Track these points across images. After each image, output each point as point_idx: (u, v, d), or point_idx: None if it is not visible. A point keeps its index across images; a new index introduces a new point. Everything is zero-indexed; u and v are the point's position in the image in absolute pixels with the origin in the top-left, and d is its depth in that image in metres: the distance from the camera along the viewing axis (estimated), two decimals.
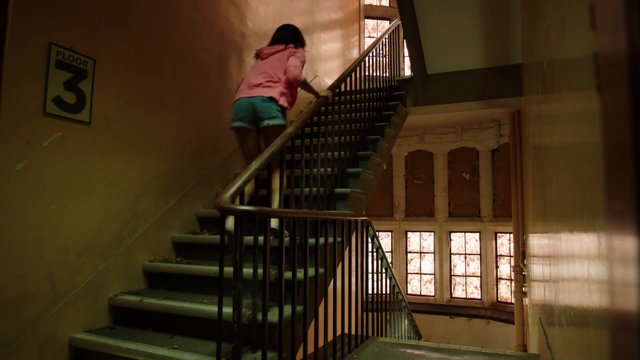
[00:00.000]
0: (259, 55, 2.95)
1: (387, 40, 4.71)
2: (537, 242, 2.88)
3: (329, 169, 3.04)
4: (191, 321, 2.30)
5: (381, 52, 4.49)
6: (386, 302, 3.77)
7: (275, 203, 2.54)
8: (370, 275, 3.21)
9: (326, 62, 6.04)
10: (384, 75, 4.49)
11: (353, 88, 3.60)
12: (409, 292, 8.27)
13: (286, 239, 2.30)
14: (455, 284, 8.01)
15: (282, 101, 2.71)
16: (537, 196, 2.82)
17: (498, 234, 7.68)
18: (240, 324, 1.72)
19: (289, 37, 2.96)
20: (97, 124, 2.50)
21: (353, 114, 3.60)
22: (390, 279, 3.97)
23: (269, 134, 2.65)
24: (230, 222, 2.27)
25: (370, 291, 3.15)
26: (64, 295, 2.28)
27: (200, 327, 2.27)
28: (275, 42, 2.95)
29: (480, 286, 7.74)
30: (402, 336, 4.62)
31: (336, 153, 3.21)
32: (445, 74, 4.73)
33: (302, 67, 2.88)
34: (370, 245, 3.19)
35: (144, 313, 2.45)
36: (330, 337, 2.61)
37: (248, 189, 2.37)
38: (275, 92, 2.69)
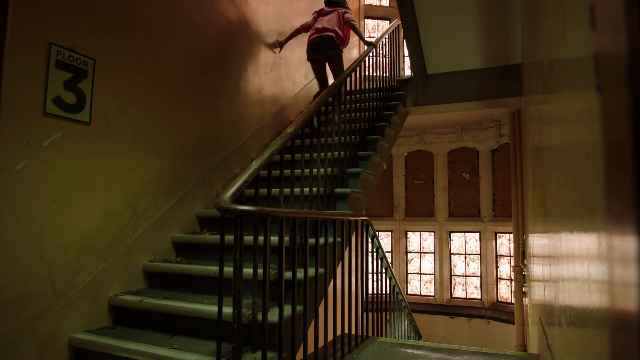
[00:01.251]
0: (320, 13, 4.41)
1: (387, 40, 4.71)
2: (537, 242, 2.88)
3: (329, 169, 3.04)
4: (191, 321, 2.30)
5: (381, 52, 4.49)
6: (386, 302, 3.77)
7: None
8: (370, 275, 3.21)
9: None
10: (384, 75, 4.49)
11: (353, 88, 3.60)
12: (409, 292, 8.27)
13: (286, 239, 2.29)
14: (455, 284, 8.01)
15: (339, 42, 4.21)
16: (537, 196, 2.82)
17: (498, 234, 7.68)
18: (240, 324, 1.72)
19: (341, 2, 4.41)
20: (97, 124, 2.50)
21: (353, 114, 3.60)
22: (390, 279, 3.97)
23: (334, 60, 4.18)
24: None
25: (370, 291, 3.15)
26: (64, 295, 2.28)
27: (200, 327, 2.27)
28: (330, 5, 4.41)
29: (480, 286, 7.74)
30: (402, 336, 4.62)
31: (336, 153, 3.21)
32: (445, 74, 4.73)
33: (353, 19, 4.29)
34: (370, 245, 3.19)
35: (144, 313, 2.45)
36: (330, 337, 2.61)
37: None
38: (335, 35, 4.17)
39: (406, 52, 5.59)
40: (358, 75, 3.68)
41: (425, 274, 8.24)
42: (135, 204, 2.76)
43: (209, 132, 3.49)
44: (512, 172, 5.68)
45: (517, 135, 5.60)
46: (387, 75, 4.64)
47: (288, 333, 2.02)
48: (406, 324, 4.87)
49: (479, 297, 7.73)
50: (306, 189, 2.94)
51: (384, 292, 3.56)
